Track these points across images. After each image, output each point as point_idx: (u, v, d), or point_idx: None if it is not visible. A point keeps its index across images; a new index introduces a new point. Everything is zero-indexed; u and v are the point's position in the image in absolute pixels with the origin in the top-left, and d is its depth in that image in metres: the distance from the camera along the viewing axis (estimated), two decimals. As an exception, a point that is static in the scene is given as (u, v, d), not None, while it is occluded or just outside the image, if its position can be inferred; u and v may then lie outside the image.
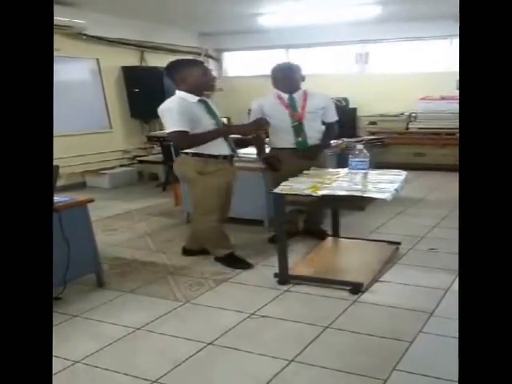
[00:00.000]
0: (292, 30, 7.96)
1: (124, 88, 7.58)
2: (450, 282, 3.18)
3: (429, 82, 7.85)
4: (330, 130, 4.10)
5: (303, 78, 3.99)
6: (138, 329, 2.75)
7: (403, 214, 5.01)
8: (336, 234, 4.11)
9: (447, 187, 6.14)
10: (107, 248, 4.06)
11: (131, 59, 7.68)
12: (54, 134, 1.51)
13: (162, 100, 3.39)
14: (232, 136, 3.59)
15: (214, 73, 8.56)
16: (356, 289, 3.10)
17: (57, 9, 5.54)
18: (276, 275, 3.32)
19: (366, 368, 2.28)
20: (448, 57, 7.88)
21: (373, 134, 7.56)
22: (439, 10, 6.69)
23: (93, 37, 6.90)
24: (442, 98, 7.63)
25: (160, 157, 6.82)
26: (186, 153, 3.42)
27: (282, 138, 3.94)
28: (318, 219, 4.28)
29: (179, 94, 3.35)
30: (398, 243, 3.93)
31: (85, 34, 6.77)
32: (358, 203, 3.07)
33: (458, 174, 1.29)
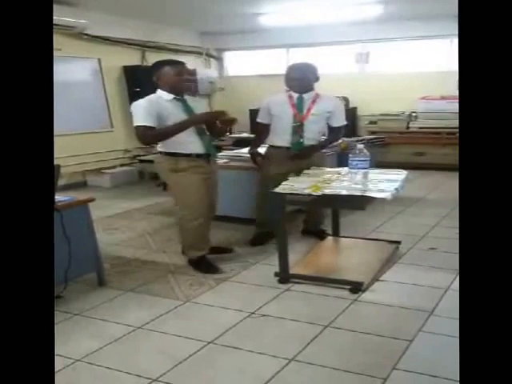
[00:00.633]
0: (293, 30, 7.96)
1: (125, 88, 7.58)
2: (450, 281, 3.18)
3: (429, 81, 7.86)
4: (335, 134, 4.10)
5: (317, 79, 3.95)
6: (139, 327, 2.76)
7: (403, 214, 5.02)
8: (336, 233, 4.11)
9: (447, 186, 6.15)
10: (108, 247, 4.07)
11: (132, 59, 7.68)
12: (55, 133, 1.51)
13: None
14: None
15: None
16: (356, 288, 3.11)
17: (58, 8, 5.58)
18: (276, 274, 3.33)
19: (366, 367, 2.29)
20: (448, 56, 7.89)
21: (373, 133, 7.57)
22: (439, 9, 6.69)
23: (94, 36, 6.90)
24: (443, 98, 7.64)
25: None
26: (160, 152, 3.46)
27: (281, 136, 3.94)
28: (317, 219, 4.28)
29: (158, 92, 3.40)
30: (398, 242, 3.93)
31: (86, 34, 6.78)
32: (358, 202, 3.06)
33: (458, 173, 1.29)
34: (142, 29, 7.55)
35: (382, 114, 8.15)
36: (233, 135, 7.05)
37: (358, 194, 3.01)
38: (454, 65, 7.62)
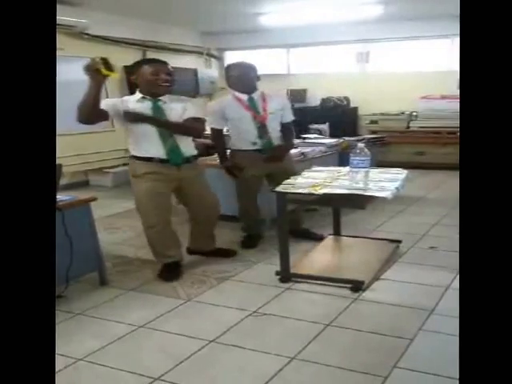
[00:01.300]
0: (294, 30, 7.96)
1: (126, 87, 7.57)
2: (451, 280, 3.19)
3: (430, 80, 7.86)
4: (288, 131, 3.99)
5: (258, 78, 3.86)
6: (141, 326, 2.76)
7: (404, 213, 5.02)
8: (337, 232, 4.12)
9: (448, 186, 6.16)
10: (110, 246, 4.07)
11: (134, 58, 7.67)
12: (58, 132, 1.52)
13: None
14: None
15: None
16: (357, 287, 3.12)
17: (60, 8, 5.56)
18: (277, 273, 3.33)
19: (367, 365, 2.30)
20: (449, 56, 7.89)
21: (374, 132, 7.57)
22: (440, 9, 6.70)
23: (95, 36, 6.91)
24: (443, 97, 7.64)
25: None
26: (130, 155, 3.38)
27: (245, 140, 3.81)
28: (297, 219, 4.14)
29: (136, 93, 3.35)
30: (399, 241, 3.94)
31: (87, 34, 6.79)
32: (358, 202, 3.07)
33: (458, 172, 1.30)
34: (143, 29, 7.55)
35: (382, 114, 8.16)
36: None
37: (359, 193, 3.01)
38: (454, 64, 7.63)
